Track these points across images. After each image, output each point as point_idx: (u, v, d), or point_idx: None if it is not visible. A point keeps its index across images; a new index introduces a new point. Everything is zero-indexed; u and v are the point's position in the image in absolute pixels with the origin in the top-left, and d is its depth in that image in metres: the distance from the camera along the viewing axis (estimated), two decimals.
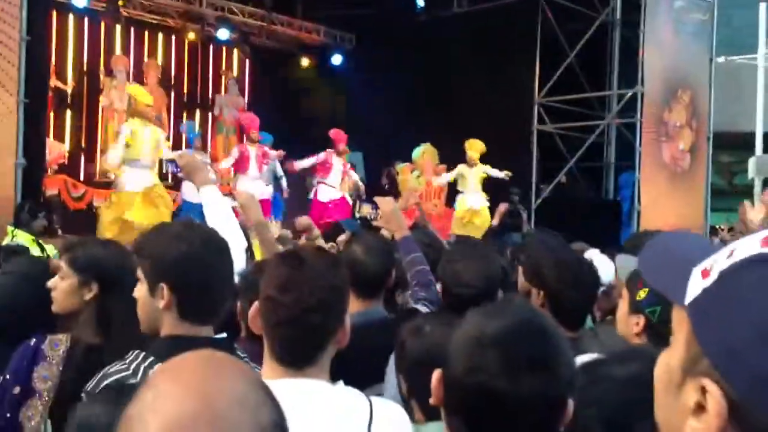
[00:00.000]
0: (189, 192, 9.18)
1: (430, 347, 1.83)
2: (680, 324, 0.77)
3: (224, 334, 1.73)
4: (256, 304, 1.53)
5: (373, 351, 2.01)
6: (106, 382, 1.61)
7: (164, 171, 8.46)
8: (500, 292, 2.41)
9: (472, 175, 10.82)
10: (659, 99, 11.67)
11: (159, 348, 1.65)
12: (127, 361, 1.65)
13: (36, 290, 2.26)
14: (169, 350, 1.57)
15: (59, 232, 10.32)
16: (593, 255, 2.16)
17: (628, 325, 2.05)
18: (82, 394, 1.61)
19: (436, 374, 1.23)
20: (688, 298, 0.75)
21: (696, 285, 0.75)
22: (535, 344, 1.18)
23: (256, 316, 1.52)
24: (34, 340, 2.11)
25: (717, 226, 12.39)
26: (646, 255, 0.86)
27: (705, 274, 0.75)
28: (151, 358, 1.63)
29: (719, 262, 0.74)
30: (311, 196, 10.90)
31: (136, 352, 1.66)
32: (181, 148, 10.88)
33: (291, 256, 1.54)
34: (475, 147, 10.79)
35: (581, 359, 1.41)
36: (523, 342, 1.17)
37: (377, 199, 3.03)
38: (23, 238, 4.74)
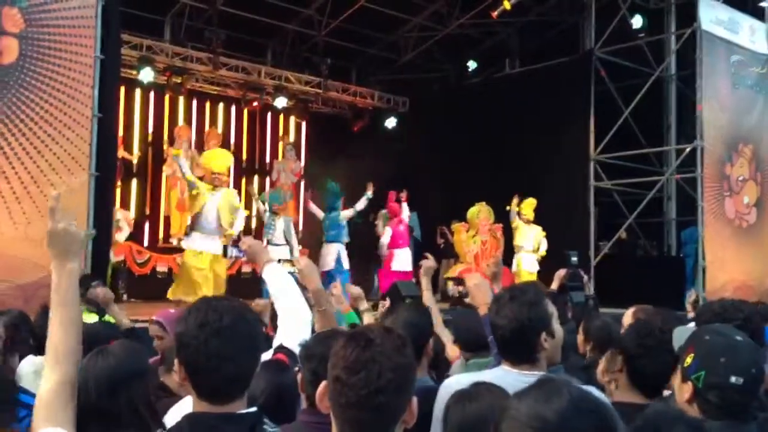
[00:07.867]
0: None
1: (474, 418, 1.80)
2: None
3: (253, 409, 1.70)
4: (324, 384, 1.52)
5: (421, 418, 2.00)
6: None
7: (228, 256, 8.50)
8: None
9: (533, 236, 10.84)
10: (720, 153, 11.45)
11: (181, 425, 1.65)
12: None
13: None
14: (189, 427, 1.64)
15: (124, 297, 10.64)
16: (687, 331, 2.10)
17: (681, 393, 1.98)
18: None
19: None
20: None
21: None
22: (595, 425, 1.14)
23: (324, 395, 1.50)
24: None
25: None
26: None
27: None
28: None
29: None
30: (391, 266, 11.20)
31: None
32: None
33: (358, 335, 1.52)
34: (530, 205, 10.86)
35: None
36: (584, 425, 1.13)
37: (465, 275, 3.00)
38: None
